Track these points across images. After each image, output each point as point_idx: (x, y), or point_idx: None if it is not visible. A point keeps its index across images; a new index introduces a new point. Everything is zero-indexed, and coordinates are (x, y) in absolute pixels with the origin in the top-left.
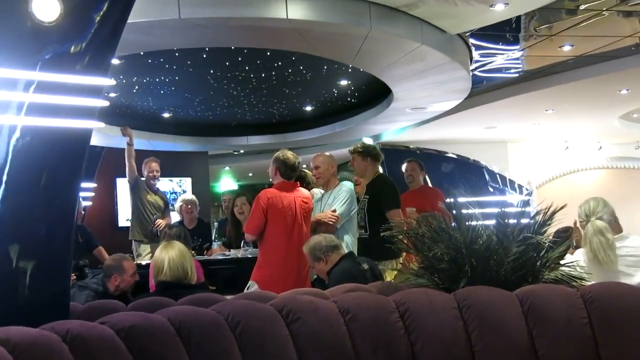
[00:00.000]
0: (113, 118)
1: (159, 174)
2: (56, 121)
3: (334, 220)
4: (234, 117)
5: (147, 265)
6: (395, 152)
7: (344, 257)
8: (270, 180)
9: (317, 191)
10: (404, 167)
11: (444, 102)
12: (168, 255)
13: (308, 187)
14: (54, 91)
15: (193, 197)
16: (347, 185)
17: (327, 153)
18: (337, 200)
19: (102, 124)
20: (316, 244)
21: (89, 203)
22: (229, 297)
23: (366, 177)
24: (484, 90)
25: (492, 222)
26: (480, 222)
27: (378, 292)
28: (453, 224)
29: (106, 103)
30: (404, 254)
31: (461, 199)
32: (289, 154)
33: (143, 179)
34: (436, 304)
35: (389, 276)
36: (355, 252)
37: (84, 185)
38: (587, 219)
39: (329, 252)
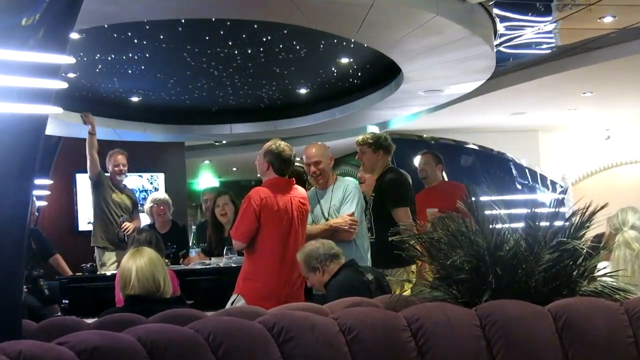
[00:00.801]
0: (72, 103)
1: (125, 168)
2: (5, 106)
3: (355, 227)
4: (215, 101)
5: (113, 276)
6: (406, 143)
7: (344, 266)
8: (259, 176)
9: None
10: (416, 160)
11: (464, 84)
12: (136, 265)
13: (305, 186)
14: (2, 70)
15: (165, 196)
16: (352, 180)
17: (319, 143)
18: (348, 200)
19: (59, 110)
20: (312, 252)
21: (43, 203)
22: (209, 313)
23: (375, 172)
24: (511, 70)
25: (521, 224)
26: (506, 225)
27: (386, 307)
28: (474, 226)
29: (64, 85)
30: (417, 262)
31: (484, 198)
32: (284, 145)
33: (107, 174)
34: (454, 320)
35: (399, 288)
36: (368, 259)
37: (37, 182)
38: (618, 230)
39: (326, 261)
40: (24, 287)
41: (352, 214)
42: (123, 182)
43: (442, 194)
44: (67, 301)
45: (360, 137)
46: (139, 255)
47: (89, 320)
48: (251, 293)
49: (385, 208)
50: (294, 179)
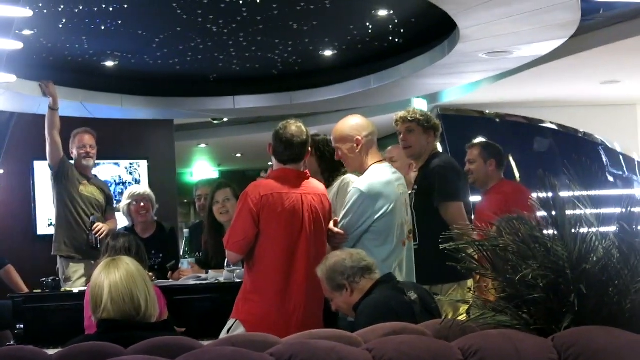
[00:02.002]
0: (28, 69)
1: (94, 150)
2: None
3: (334, 240)
4: (213, 67)
5: (82, 294)
6: (463, 122)
7: (378, 282)
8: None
9: (352, 178)
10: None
11: (538, 44)
12: (109, 280)
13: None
14: None
15: (147, 190)
16: (351, 179)
17: (347, 117)
18: (343, 201)
19: (12, 77)
20: (337, 265)
21: None
22: (206, 342)
23: (421, 159)
24: (601, 25)
25: (613, 228)
26: (594, 229)
27: (435, 335)
28: (552, 231)
29: (18, 45)
30: (475, 277)
31: (564, 194)
32: (292, 124)
33: (72, 161)
34: (525, 353)
35: (451, 310)
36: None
37: None
38: None
39: (356, 277)
40: None
41: (336, 223)
42: (92, 171)
43: (491, 200)
44: (22, 326)
45: (404, 113)
46: (114, 267)
47: (52, 351)
48: (252, 319)
49: (431, 204)
50: (307, 171)
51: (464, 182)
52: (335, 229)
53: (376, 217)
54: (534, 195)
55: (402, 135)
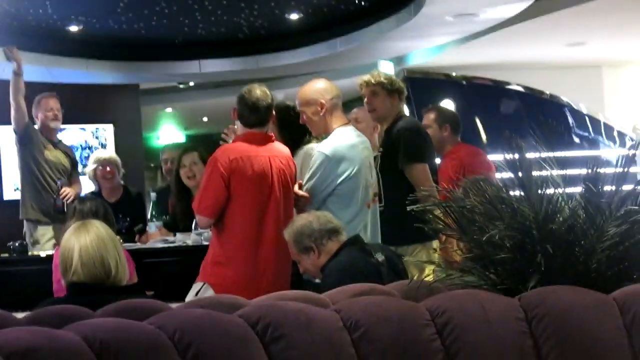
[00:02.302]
0: None
1: (60, 114)
2: None
3: (298, 203)
4: (178, 30)
5: (49, 257)
6: (429, 84)
7: (345, 244)
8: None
9: (313, 147)
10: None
11: (505, 6)
12: (79, 243)
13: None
14: None
15: (113, 154)
16: (315, 147)
17: (312, 81)
18: (307, 167)
19: None
20: (303, 228)
21: None
22: (174, 305)
23: (385, 122)
24: None
25: (579, 189)
26: (560, 190)
27: (403, 296)
28: (518, 192)
29: None
30: (440, 237)
31: (531, 155)
32: (257, 89)
33: (37, 126)
34: (492, 312)
35: (417, 271)
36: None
37: None
38: None
39: (323, 239)
40: None
41: (300, 186)
42: (57, 136)
43: (449, 167)
44: None
45: (368, 76)
46: (84, 230)
47: (20, 315)
48: (222, 282)
49: (396, 166)
50: (272, 134)
51: (429, 145)
52: (300, 192)
53: (340, 179)
54: (501, 156)
55: (366, 99)
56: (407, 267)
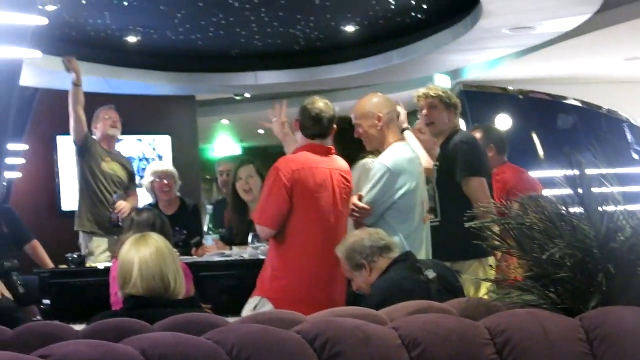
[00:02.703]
0: (52, 44)
1: (119, 123)
2: None
3: (358, 214)
4: (235, 42)
5: (107, 269)
6: (485, 98)
7: (396, 261)
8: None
9: (370, 161)
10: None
11: (563, 19)
12: (139, 256)
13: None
14: None
15: (170, 167)
16: (372, 162)
17: (368, 95)
18: (367, 180)
19: (38, 53)
20: (356, 245)
21: (16, 175)
22: (231, 319)
23: (441, 136)
24: (626, 1)
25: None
26: (621, 208)
27: (461, 315)
28: (578, 209)
29: (43, 21)
30: (495, 254)
31: (590, 172)
32: (319, 102)
33: (96, 137)
34: (553, 333)
35: (473, 288)
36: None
37: (9, 147)
38: None
39: (374, 256)
40: None
41: (360, 198)
42: (116, 147)
43: (494, 189)
44: (48, 301)
45: (426, 89)
46: (143, 243)
47: (78, 327)
48: (281, 296)
49: (454, 180)
50: (332, 147)
51: (487, 159)
52: (360, 204)
53: (400, 193)
54: (559, 172)
55: (425, 112)
56: (462, 284)
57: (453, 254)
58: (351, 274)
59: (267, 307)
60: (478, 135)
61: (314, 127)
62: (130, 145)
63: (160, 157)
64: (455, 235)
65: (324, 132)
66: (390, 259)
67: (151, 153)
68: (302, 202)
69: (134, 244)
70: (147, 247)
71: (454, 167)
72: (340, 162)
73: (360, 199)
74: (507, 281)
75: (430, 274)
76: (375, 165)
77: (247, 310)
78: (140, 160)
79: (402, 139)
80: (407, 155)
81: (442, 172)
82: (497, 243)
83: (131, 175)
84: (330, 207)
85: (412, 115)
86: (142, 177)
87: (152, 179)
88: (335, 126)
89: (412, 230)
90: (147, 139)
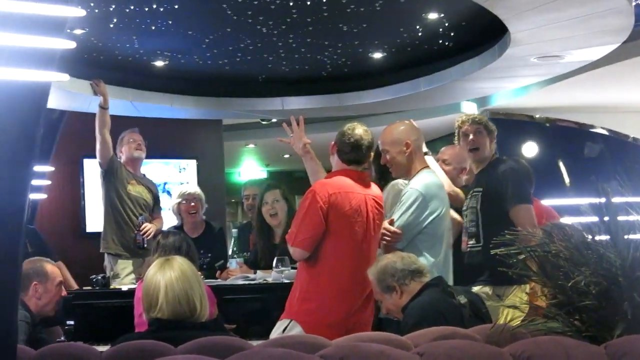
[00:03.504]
0: (79, 67)
1: (144, 145)
2: None
3: (388, 239)
4: (262, 68)
5: (131, 292)
6: (512, 126)
7: (428, 285)
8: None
9: (401, 182)
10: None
11: (590, 49)
12: (165, 279)
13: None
14: None
15: (197, 189)
16: (401, 183)
17: (396, 123)
18: (399, 204)
19: (65, 76)
20: (387, 267)
21: (42, 196)
22: (255, 342)
23: (484, 162)
24: None
25: None
26: None
27: (486, 341)
28: (604, 237)
29: (71, 44)
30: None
31: (616, 200)
32: (358, 128)
33: (121, 160)
34: (577, 359)
35: (510, 312)
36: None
37: (35, 169)
38: None
39: (406, 279)
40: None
41: (392, 222)
42: (141, 171)
43: None
44: (72, 322)
45: (468, 115)
46: (168, 266)
47: (101, 348)
48: (310, 318)
49: (499, 206)
50: (366, 173)
51: (532, 184)
52: (392, 228)
53: (431, 218)
54: (585, 200)
55: (471, 137)
56: (501, 309)
57: (496, 278)
58: (381, 296)
59: (297, 329)
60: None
61: (352, 152)
62: (156, 168)
63: (186, 181)
64: (499, 259)
65: (361, 158)
66: (421, 283)
67: (177, 176)
68: (336, 225)
69: (159, 267)
70: (173, 270)
71: (503, 193)
72: (373, 188)
73: (392, 223)
74: (538, 309)
75: (462, 299)
76: (407, 190)
77: (276, 333)
78: (165, 185)
79: (428, 166)
80: (436, 181)
81: (488, 198)
82: (523, 271)
83: (156, 198)
84: (364, 232)
85: (441, 140)
86: (169, 195)
87: (179, 200)
88: (372, 153)
89: (441, 255)
90: (173, 162)
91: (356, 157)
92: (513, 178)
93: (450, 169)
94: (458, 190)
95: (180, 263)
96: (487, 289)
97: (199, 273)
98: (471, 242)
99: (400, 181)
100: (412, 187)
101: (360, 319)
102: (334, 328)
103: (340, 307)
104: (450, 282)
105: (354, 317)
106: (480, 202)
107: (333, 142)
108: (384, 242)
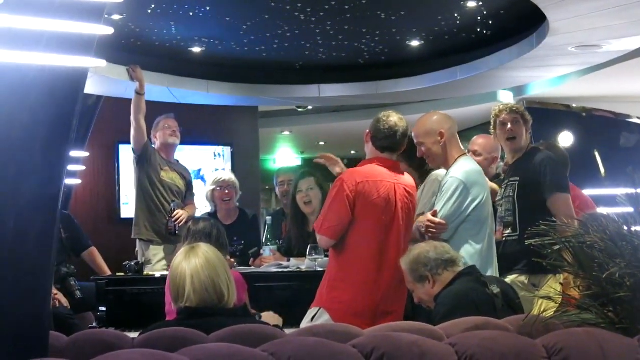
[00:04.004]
0: (116, 53)
1: (178, 131)
2: (34, 56)
3: (433, 231)
4: (299, 55)
5: (162, 278)
6: (548, 115)
7: (460, 274)
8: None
9: (440, 173)
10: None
11: (630, 38)
12: (190, 268)
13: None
14: (31, 12)
15: (232, 176)
16: (439, 174)
17: (430, 113)
18: (440, 194)
19: (103, 62)
20: (420, 257)
21: (76, 181)
22: (287, 330)
23: (520, 152)
24: None
25: None
26: None
27: (518, 332)
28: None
29: (109, 30)
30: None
31: None
32: (393, 115)
33: (155, 146)
34: (611, 353)
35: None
36: (493, 270)
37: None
38: None
39: (439, 269)
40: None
41: (435, 213)
42: (175, 156)
43: None
44: (104, 308)
45: (506, 104)
46: (193, 254)
47: (133, 334)
48: (339, 307)
49: (537, 195)
50: (398, 162)
51: (567, 173)
52: (436, 219)
53: (474, 205)
54: (621, 190)
55: (509, 126)
56: (533, 300)
57: (533, 267)
58: (413, 285)
59: (325, 317)
60: None
61: (385, 140)
62: (191, 155)
63: (221, 167)
64: (536, 249)
65: (395, 146)
66: (454, 272)
67: (214, 163)
68: (363, 214)
69: (185, 256)
70: (197, 258)
71: (542, 182)
72: (405, 177)
73: (435, 214)
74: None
75: (495, 289)
76: (447, 179)
77: (306, 321)
78: (200, 170)
79: (465, 153)
80: (476, 167)
81: (525, 187)
82: (557, 262)
83: (189, 184)
84: (392, 220)
85: (475, 129)
86: (204, 184)
87: (213, 187)
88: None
89: (486, 242)
90: (208, 148)
91: (390, 144)
92: (552, 167)
93: (482, 159)
94: (492, 184)
95: (205, 250)
96: (523, 278)
97: (232, 260)
98: (507, 232)
99: (440, 172)
100: (452, 176)
101: (389, 308)
102: (362, 317)
103: (367, 296)
104: (495, 267)
105: (382, 306)
106: (517, 192)
107: (367, 130)
108: (429, 234)
